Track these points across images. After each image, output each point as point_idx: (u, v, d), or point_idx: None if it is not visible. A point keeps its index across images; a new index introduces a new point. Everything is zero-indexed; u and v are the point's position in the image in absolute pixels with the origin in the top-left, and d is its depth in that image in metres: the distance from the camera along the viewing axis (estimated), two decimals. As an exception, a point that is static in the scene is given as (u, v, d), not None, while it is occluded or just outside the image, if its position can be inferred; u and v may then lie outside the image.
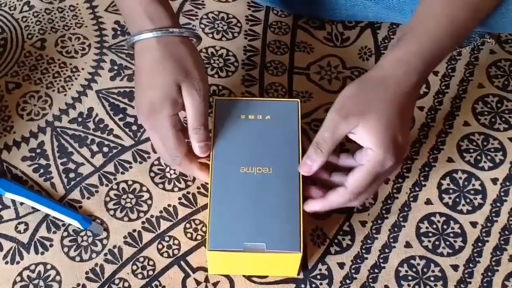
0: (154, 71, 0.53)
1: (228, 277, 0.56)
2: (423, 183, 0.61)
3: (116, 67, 0.68)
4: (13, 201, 0.60)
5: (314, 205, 0.54)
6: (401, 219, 0.60)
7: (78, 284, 0.56)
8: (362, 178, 0.51)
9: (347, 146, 0.62)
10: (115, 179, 0.61)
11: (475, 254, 0.58)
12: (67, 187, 0.61)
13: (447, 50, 0.54)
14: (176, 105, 0.53)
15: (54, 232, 0.58)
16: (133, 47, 0.56)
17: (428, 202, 0.60)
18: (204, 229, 0.59)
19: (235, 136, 0.57)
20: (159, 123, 0.53)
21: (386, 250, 0.58)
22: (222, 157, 0.56)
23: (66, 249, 0.57)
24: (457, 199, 0.61)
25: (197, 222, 0.59)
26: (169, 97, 0.53)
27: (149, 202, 0.60)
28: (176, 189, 0.61)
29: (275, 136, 0.57)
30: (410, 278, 0.56)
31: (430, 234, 0.59)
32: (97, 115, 0.65)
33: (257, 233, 0.52)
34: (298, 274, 0.56)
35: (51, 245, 0.58)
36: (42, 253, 0.57)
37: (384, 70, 0.52)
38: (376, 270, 0.57)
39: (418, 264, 0.57)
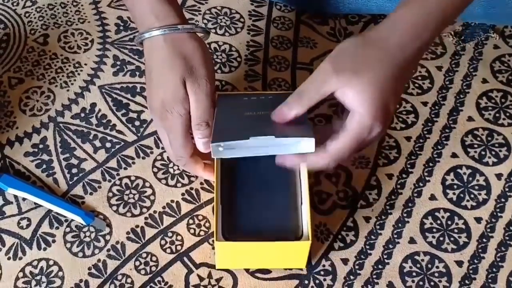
0: (163, 69, 0.53)
1: (231, 273, 0.56)
2: (427, 178, 0.61)
3: (119, 63, 0.68)
4: (16, 197, 0.60)
5: (290, 159, 0.51)
6: (405, 214, 0.59)
7: (81, 280, 0.56)
8: (346, 144, 0.48)
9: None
10: (118, 174, 0.61)
11: (480, 250, 0.57)
12: (70, 182, 0.61)
13: (449, 18, 0.51)
14: (186, 103, 0.53)
15: (57, 228, 0.58)
16: (142, 44, 0.55)
17: (432, 197, 0.60)
18: (207, 224, 0.58)
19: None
20: (170, 122, 0.53)
21: (390, 246, 0.58)
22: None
23: (68, 245, 0.57)
24: (462, 195, 0.60)
25: (200, 218, 0.59)
26: (178, 96, 0.53)
27: (152, 197, 0.60)
28: (179, 184, 0.61)
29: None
30: (414, 274, 0.56)
31: (434, 230, 0.58)
32: (99, 110, 0.65)
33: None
34: (305, 266, 0.56)
35: (53, 241, 0.58)
36: (45, 249, 0.57)
37: (388, 31, 0.48)
38: (380, 266, 0.57)
39: (422, 260, 0.57)
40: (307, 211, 0.53)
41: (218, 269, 0.56)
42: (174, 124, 0.53)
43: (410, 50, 0.48)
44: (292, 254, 0.55)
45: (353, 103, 0.48)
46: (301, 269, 0.56)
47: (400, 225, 0.59)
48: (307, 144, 0.49)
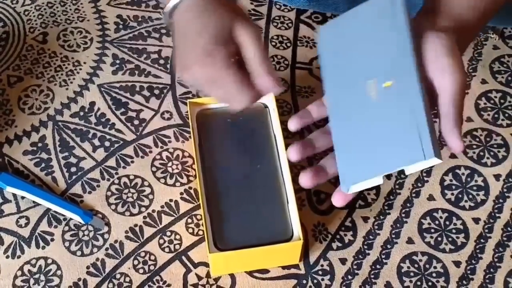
0: (202, 20, 0.49)
1: (230, 273, 0.56)
2: (425, 179, 0.61)
3: (118, 61, 0.68)
4: (14, 195, 0.60)
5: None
6: (403, 215, 0.59)
7: (79, 279, 0.56)
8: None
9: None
10: (116, 173, 0.61)
11: (478, 251, 0.58)
12: (69, 181, 0.61)
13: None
14: (230, 46, 0.49)
15: (55, 227, 0.58)
16: (171, 17, 0.51)
17: (431, 198, 0.60)
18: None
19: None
20: (215, 67, 0.48)
21: (388, 246, 0.58)
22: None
23: (67, 244, 0.57)
24: (460, 195, 0.60)
25: (198, 217, 0.59)
26: (223, 37, 0.48)
27: (150, 197, 0.60)
28: (178, 184, 0.61)
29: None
30: (412, 274, 0.56)
31: (433, 230, 0.58)
32: (99, 109, 0.65)
33: None
34: (300, 261, 0.56)
35: (52, 240, 0.58)
36: (43, 248, 0.57)
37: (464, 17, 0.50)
38: (378, 266, 0.57)
39: (420, 260, 0.57)
40: (294, 210, 0.54)
41: (213, 277, 0.56)
42: (221, 68, 0.48)
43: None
44: (285, 254, 0.55)
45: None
46: (299, 269, 0.56)
47: (398, 225, 0.59)
48: (434, 162, 0.45)
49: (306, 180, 0.50)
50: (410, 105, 0.46)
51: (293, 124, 0.52)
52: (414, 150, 0.44)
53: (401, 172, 0.46)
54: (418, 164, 0.45)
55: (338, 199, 0.49)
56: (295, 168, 0.61)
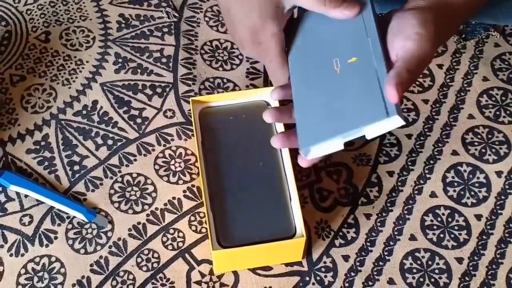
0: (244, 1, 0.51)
1: (233, 270, 0.56)
2: (427, 176, 0.61)
3: (120, 60, 0.68)
4: (18, 194, 0.60)
5: None
6: (405, 211, 0.60)
7: (83, 277, 0.56)
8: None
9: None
10: (119, 171, 0.61)
11: (480, 247, 0.58)
12: (72, 179, 0.61)
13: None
14: (279, 20, 0.50)
15: (59, 225, 0.58)
16: None
17: (433, 195, 0.60)
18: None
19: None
20: (265, 45, 0.50)
21: (391, 243, 0.58)
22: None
23: (70, 242, 0.58)
24: (462, 192, 0.60)
25: (201, 215, 0.59)
26: (270, 12, 0.49)
27: (153, 194, 0.60)
28: (180, 182, 0.61)
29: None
30: (414, 270, 0.56)
31: (435, 227, 0.59)
32: (101, 107, 0.65)
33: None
34: (303, 258, 0.56)
35: (55, 238, 0.58)
36: (47, 246, 0.57)
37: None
38: (380, 263, 0.57)
39: (423, 256, 0.57)
40: (297, 207, 0.54)
41: (217, 274, 0.56)
42: (269, 46, 0.50)
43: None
44: (288, 251, 0.55)
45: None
46: (302, 266, 0.57)
47: (400, 222, 0.59)
48: (396, 121, 0.44)
49: (277, 140, 0.50)
50: (374, 74, 0.46)
51: (275, 95, 0.52)
52: (376, 109, 0.44)
53: (362, 138, 0.45)
54: (379, 124, 0.44)
55: (301, 160, 0.49)
56: (298, 166, 0.61)
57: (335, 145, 0.45)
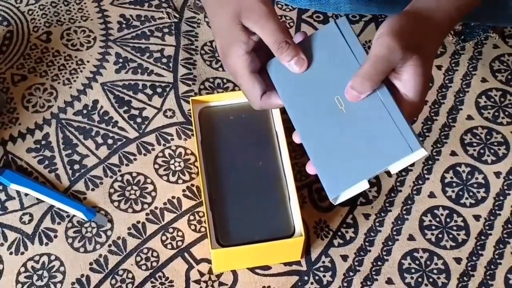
0: (216, 15, 0.51)
1: (232, 269, 0.57)
2: (426, 176, 0.62)
3: (121, 60, 0.69)
4: (18, 192, 0.60)
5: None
6: (404, 212, 0.60)
7: (82, 275, 0.56)
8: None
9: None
10: (119, 171, 0.62)
11: (478, 247, 0.58)
12: (72, 178, 0.61)
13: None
14: (243, 43, 0.49)
15: (59, 223, 0.59)
16: (201, 7, 0.54)
17: (432, 195, 0.60)
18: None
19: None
20: (232, 68, 0.50)
21: (389, 243, 0.58)
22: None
23: (70, 240, 0.58)
24: (460, 193, 0.61)
25: (201, 214, 0.59)
26: (233, 36, 0.49)
27: (153, 194, 0.60)
28: (180, 181, 0.61)
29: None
30: (413, 270, 0.57)
31: (433, 227, 0.59)
32: (102, 107, 0.65)
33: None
34: (301, 258, 0.57)
35: (55, 236, 0.58)
36: (47, 244, 0.58)
37: (437, 1, 0.47)
38: (379, 263, 0.57)
39: (421, 257, 0.57)
40: (296, 206, 0.55)
41: (215, 273, 0.56)
42: (236, 68, 0.50)
43: (455, 17, 0.48)
44: (287, 251, 0.55)
45: (406, 86, 0.46)
46: (301, 265, 0.57)
47: (399, 222, 0.59)
48: (421, 154, 0.44)
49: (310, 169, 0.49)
50: (383, 107, 0.45)
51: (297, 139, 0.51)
52: (399, 146, 0.44)
53: (387, 172, 0.46)
54: (405, 159, 0.44)
55: (310, 168, 0.49)
56: (297, 166, 0.61)
57: (361, 185, 0.46)
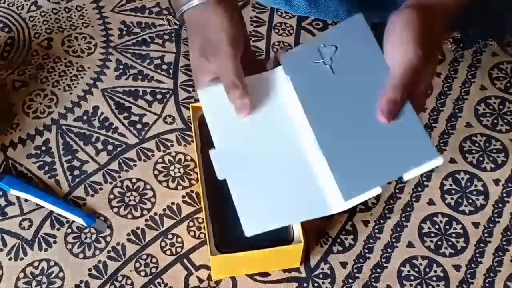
0: (190, 46, 0.54)
1: (231, 275, 0.57)
2: (425, 183, 0.62)
3: (121, 67, 0.69)
4: (18, 198, 0.60)
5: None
6: (403, 219, 0.60)
7: (81, 281, 0.56)
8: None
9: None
10: (119, 177, 0.62)
11: (477, 255, 0.58)
12: (72, 184, 0.61)
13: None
14: (212, 75, 0.52)
15: (58, 229, 0.59)
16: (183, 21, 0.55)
17: (431, 202, 0.61)
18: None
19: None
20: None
21: (389, 250, 0.58)
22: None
23: (69, 246, 0.58)
24: (460, 200, 0.61)
25: (200, 220, 0.59)
26: (200, 69, 0.53)
27: (152, 200, 0.60)
28: (180, 187, 0.61)
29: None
30: (412, 278, 0.57)
31: (433, 234, 0.59)
32: (102, 113, 0.66)
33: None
34: (301, 264, 0.57)
35: (55, 242, 0.58)
36: (46, 250, 0.58)
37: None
38: (378, 270, 0.57)
39: (421, 264, 0.57)
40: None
41: (214, 280, 0.56)
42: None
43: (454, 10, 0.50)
44: (286, 257, 0.55)
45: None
46: (300, 272, 0.57)
47: (398, 229, 0.59)
48: (437, 162, 0.45)
49: None
50: (402, 114, 0.46)
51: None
52: (416, 153, 0.45)
53: (400, 178, 0.46)
54: (422, 167, 0.45)
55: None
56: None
57: (374, 191, 0.46)
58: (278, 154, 0.50)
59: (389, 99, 0.46)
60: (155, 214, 0.60)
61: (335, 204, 0.47)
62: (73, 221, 0.59)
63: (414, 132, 0.45)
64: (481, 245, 0.58)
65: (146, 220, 0.59)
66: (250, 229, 0.47)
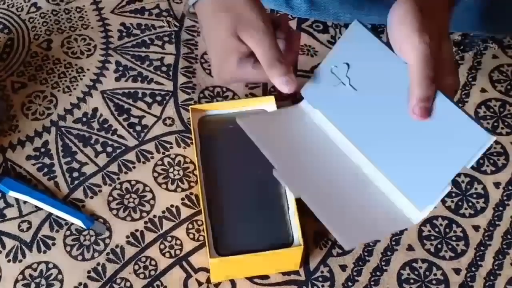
0: (211, 29, 0.52)
1: (230, 278, 0.56)
2: (425, 186, 0.61)
3: (121, 68, 0.69)
4: (17, 200, 0.60)
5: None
6: (403, 222, 0.60)
7: (80, 283, 0.56)
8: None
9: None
10: (118, 179, 0.62)
11: (477, 258, 0.58)
12: (71, 186, 0.61)
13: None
14: (238, 51, 0.50)
15: (57, 231, 0.59)
16: (193, 13, 0.54)
17: (431, 205, 0.60)
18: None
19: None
20: (228, 75, 0.51)
21: (388, 253, 0.58)
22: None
23: (68, 248, 0.58)
24: (460, 203, 0.61)
25: (199, 223, 0.59)
26: (230, 49, 0.50)
27: (151, 202, 0.60)
28: (179, 189, 0.61)
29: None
30: (412, 281, 0.56)
31: (432, 238, 0.59)
32: (101, 115, 0.66)
33: None
34: (300, 267, 0.56)
35: (53, 244, 0.58)
36: (45, 252, 0.57)
37: None
38: (378, 273, 0.57)
39: (420, 267, 0.57)
40: (295, 216, 0.55)
41: (214, 283, 0.56)
42: (231, 70, 0.51)
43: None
44: (285, 260, 0.55)
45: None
46: (300, 275, 0.56)
47: (398, 232, 0.59)
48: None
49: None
50: (437, 106, 0.45)
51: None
52: (468, 140, 0.44)
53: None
54: (478, 152, 0.45)
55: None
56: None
57: (445, 190, 0.46)
58: (337, 173, 0.49)
59: (418, 98, 0.45)
60: (154, 216, 0.59)
61: (415, 215, 0.47)
62: (72, 223, 0.59)
63: (456, 118, 0.44)
64: (481, 248, 0.58)
65: (145, 223, 0.59)
66: (348, 243, 0.46)
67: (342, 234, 0.45)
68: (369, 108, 0.49)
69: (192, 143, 0.63)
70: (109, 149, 0.63)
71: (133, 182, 0.61)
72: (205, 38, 0.53)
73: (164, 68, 0.69)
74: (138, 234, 0.59)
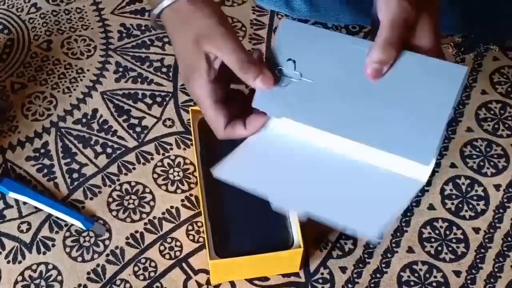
0: (176, 41, 0.50)
1: (230, 280, 0.56)
2: (426, 188, 0.61)
3: (121, 69, 0.69)
4: (16, 201, 0.60)
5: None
6: (403, 224, 0.59)
7: (80, 285, 0.56)
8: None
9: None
10: (118, 180, 0.61)
11: (478, 260, 0.58)
12: (70, 187, 0.61)
13: None
14: (205, 72, 0.48)
15: (57, 232, 0.58)
16: (159, 22, 0.52)
17: (431, 207, 0.60)
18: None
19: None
20: (195, 95, 0.50)
21: (389, 255, 0.58)
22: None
23: (68, 249, 0.58)
24: (460, 205, 0.61)
25: (199, 224, 0.59)
26: (195, 64, 0.48)
27: (151, 203, 0.60)
28: (179, 191, 0.61)
29: None
30: (412, 283, 0.56)
31: (433, 240, 0.59)
32: (101, 116, 0.65)
33: None
34: (300, 269, 0.56)
35: (53, 245, 0.58)
36: (44, 253, 0.57)
37: None
38: (378, 275, 0.57)
39: (421, 269, 0.57)
40: (295, 217, 0.54)
41: (213, 284, 0.56)
42: (199, 95, 0.49)
43: None
44: (285, 262, 0.55)
45: (425, 31, 0.46)
46: (300, 277, 0.56)
47: (398, 234, 0.59)
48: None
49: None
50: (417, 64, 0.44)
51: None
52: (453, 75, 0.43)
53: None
54: (459, 90, 0.44)
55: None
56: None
57: (441, 137, 0.45)
58: (331, 173, 0.48)
59: (372, 58, 0.44)
60: (154, 217, 0.59)
61: (421, 173, 0.45)
62: (72, 224, 0.59)
63: (426, 66, 0.43)
64: (482, 250, 0.58)
65: (145, 224, 0.59)
66: (373, 235, 0.44)
67: (364, 230, 0.44)
68: (334, 91, 0.47)
69: (192, 144, 0.63)
70: (109, 150, 0.63)
71: (133, 183, 0.61)
72: (173, 48, 0.51)
73: (164, 69, 0.69)
74: (138, 235, 0.58)
